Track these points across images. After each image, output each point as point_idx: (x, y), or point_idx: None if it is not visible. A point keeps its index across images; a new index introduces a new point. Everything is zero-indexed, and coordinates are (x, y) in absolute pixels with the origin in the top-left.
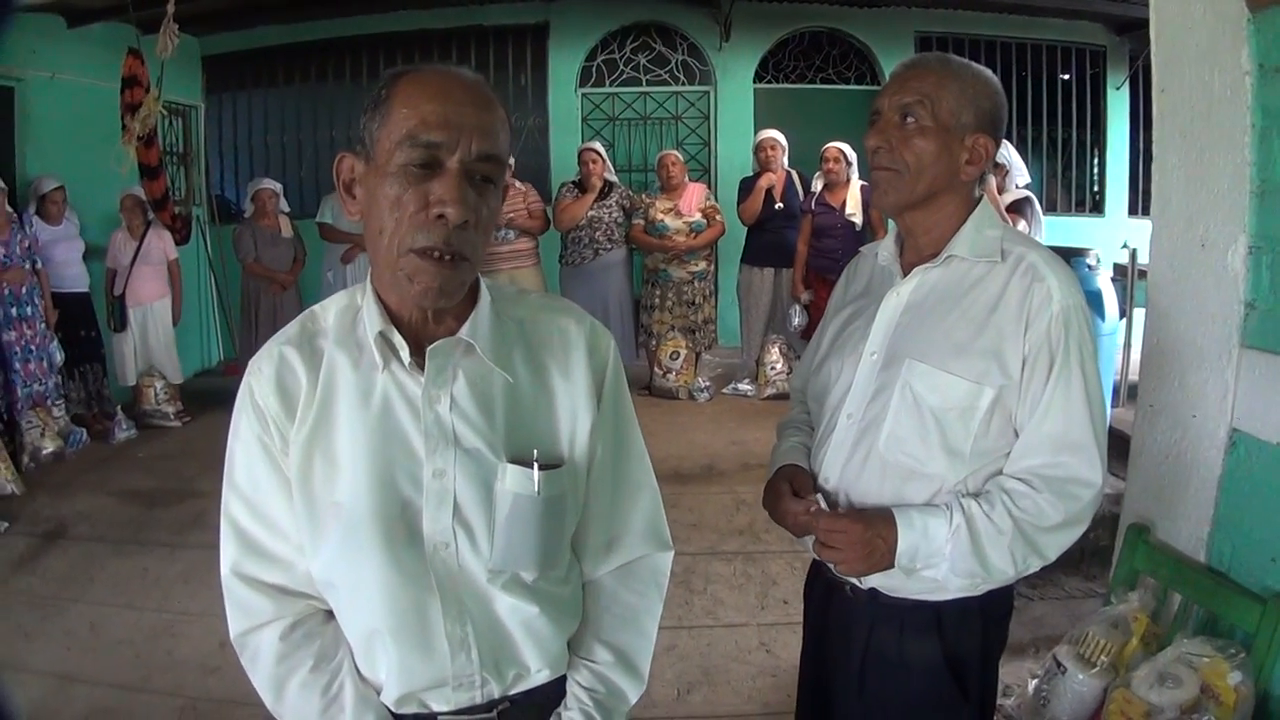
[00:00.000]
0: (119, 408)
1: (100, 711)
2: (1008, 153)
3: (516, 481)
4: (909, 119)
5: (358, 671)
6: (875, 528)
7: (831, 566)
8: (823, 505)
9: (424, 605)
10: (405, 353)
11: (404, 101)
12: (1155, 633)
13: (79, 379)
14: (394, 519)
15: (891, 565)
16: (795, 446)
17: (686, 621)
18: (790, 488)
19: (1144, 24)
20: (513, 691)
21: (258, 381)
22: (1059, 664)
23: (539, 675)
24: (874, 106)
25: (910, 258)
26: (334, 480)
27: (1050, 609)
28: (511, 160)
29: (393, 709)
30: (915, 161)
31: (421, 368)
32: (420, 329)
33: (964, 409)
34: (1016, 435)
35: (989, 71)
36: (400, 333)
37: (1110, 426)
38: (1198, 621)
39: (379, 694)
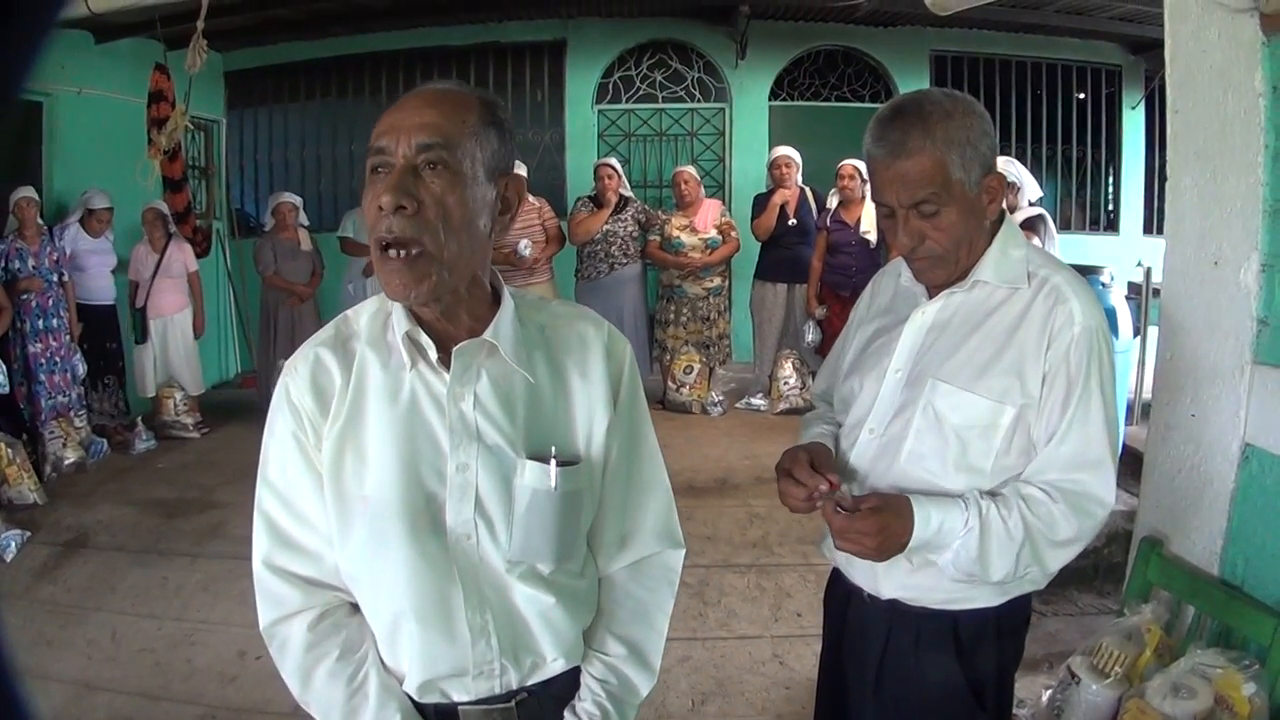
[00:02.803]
0: (139, 419)
1: (121, 719)
2: (1017, 170)
3: (535, 477)
4: (925, 206)
5: (382, 662)
6: (891, 527)
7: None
8: (848, 500)
9: (446, 594)
10: (432, 352)
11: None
12: (1168, 645)
13: (102, 390)
14: (419, 511)
15: (900, 553)
16: (822, 432)
17: (700, 633)
18: (809, 457)
19: (1160, 44)
20: (530, 681)
21: (294, 381)
22: (1073, 675)
23: (555, 665)
24: (878, 198)
25: None
26: (363, 474)
27: (1064, 624)
28: (523, 169)
29: (415, 698)
30: (950, 241)
31: (447, 367)
32: (441, 331)
33: (985, 427)
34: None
35: (964, 100)
36: (426, 334)
37: (1124, 444)
38: (1211, 634)
39: (401, 683)
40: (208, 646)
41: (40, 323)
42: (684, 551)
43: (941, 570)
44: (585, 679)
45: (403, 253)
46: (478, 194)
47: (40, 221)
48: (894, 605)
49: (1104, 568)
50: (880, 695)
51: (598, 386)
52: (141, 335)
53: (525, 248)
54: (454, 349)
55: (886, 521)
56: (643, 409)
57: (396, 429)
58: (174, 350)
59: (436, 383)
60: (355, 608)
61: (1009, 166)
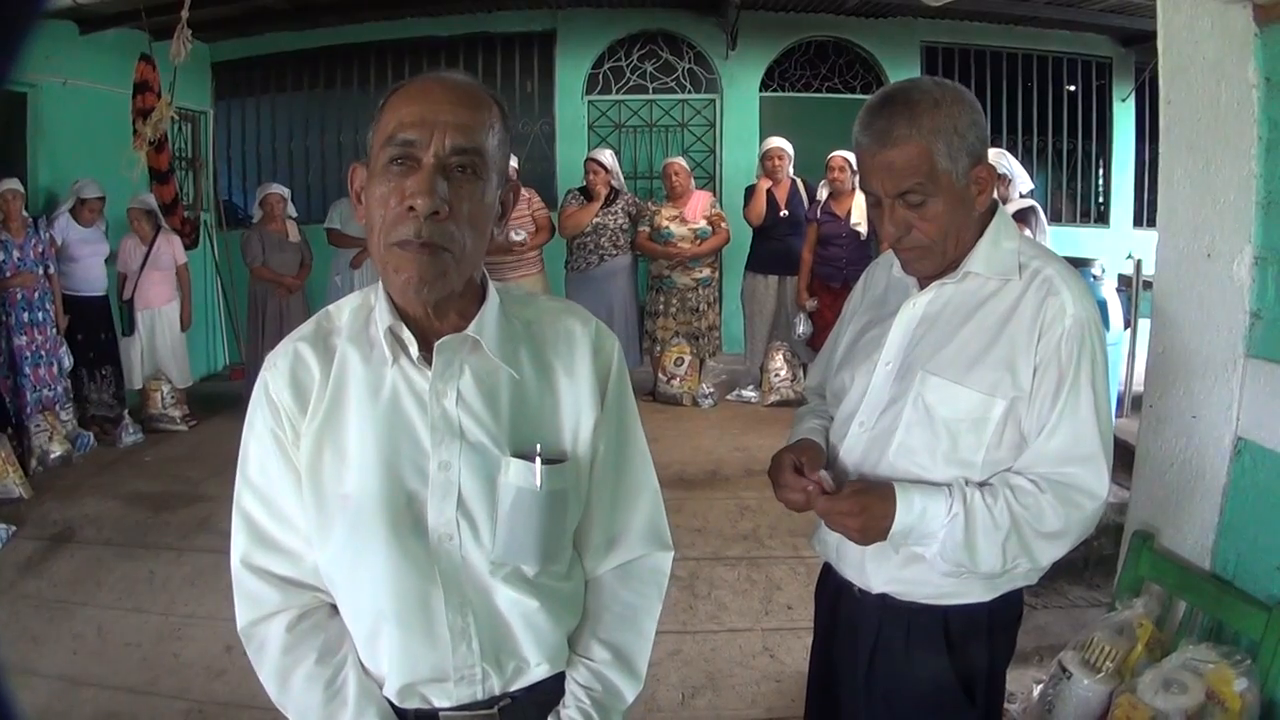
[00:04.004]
0: (126, 412)
1: (107, 715)
2: (1008, 162)
3: (519, 475)
4: (911, 196)
5: (361, 665)
6: (873, 510)
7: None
8: (828, 483)
9: (427, 595)
10: (414, 348)
11: (391, 108)
12: (1160, 639)
13: (99, 381)
14: (400, 510)
15: (885, 539)
16: (814, 427)
17: (691, 626)
18: (794, 461)
19: (1150, 36)
20: (513, 687)
21: (273, 376)
22: (1064, 669)
23: (538, 669)
24: (866, 186)
25: None
26: (342, 472)
27: (1054, 617)
28: (515, 164)
29: (395, 702)
30: (937, 232)
31: (430, 363)
32: (428, 326)
33: (976, 420)
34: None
35: (954, 89)
36: (409, 330)
37: (1114, 436)
38: (1203, 628)
39: (381, 687)
40: (195, 641)
41: (26, 315)
42: (672, 554)
43: (931, 564)
44: (570, 685)
45: (425, 249)
46: (492, 199)
47: (25, 214)
48: (884, 600)
49: (1094, 560)
50: (871, 690)
51: (584, 383)
52: (129, 327)
53: (518, 234)
54: (436, 344)
55: (869, 503)
56: (631, 407)
57: (377, 426)
58: (161, 343)
59: (418, 379)
60: (335, 609)
61: (1000, 159)
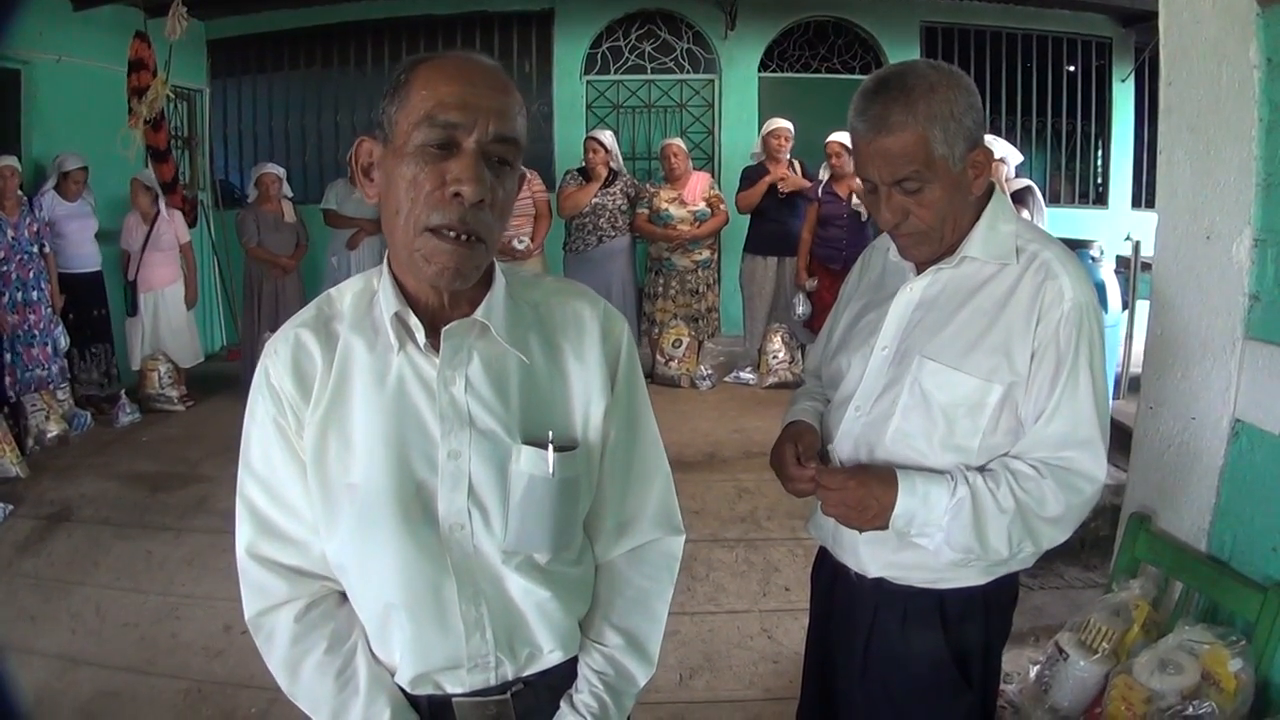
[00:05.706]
0: (123, 391)
1: (105, 694)
2: (1001, 147)
3: (531, 463)
4: (908, 183)
5: (372, 654)
6: (874, 489)
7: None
8: (834, 460)
9: (439, 586)
10: (421, 334)
11: (423, 84)
12: (1156, 620)
13: (90, 359)
14: (409, 499)
15: (886, 526)
16: (808, 408)
17: (689, 607)
18: (795, 449)
19: (1150, 16)
20: (526, 673)
21: (273, 364)
22: (1061, 650)
23: (551, 656)
24: (861, 173)
25: None
26: (348, 462)
27: (1050, 598)
28: None
29: (407, 690)
30: (934, 217)
31: (437, 349)
32: (436, 312)
33: (973, 405)
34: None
35: (949, 72)
36: (416, 315)
37: (1111, 419)
38: (1199, 610)
39: (393, 676)
40: (193, 621)
41: (20, 295)
42: (684, 538)
43: (936, 553)
44: (583, 670)
45: (465, 237)
46: (515, 187)
47: (20, 192)
48: (880, 583)
49: (1090, 542)
50: (867, 673)
51: (594, 368)
52: (132, 309)
53: (520, 242)
54: (443, 330)
55: (868, 480)
56: (641, 391)
57: (384, 414)
58: (165, 323)
59: (425, 366)
60: (344, 597)
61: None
